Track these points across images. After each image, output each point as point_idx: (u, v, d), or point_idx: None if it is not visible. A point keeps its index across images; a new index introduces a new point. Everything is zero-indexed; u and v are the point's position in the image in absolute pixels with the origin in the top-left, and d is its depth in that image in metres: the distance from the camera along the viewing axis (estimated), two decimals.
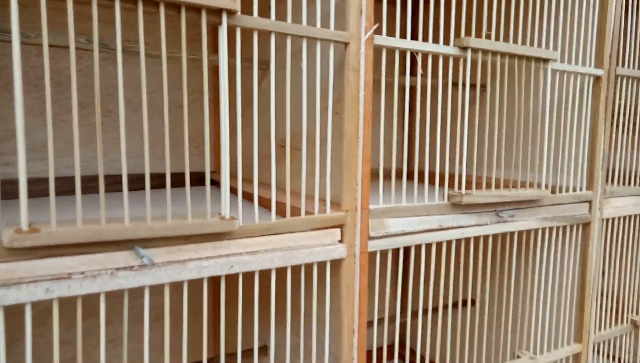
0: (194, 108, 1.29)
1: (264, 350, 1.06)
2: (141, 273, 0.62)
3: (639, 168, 1.29)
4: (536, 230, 1.08)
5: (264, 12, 0.76)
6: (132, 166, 1.24)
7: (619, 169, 1.25)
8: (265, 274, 0.80)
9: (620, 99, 1.18)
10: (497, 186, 0.98)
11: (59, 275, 0.56)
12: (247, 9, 0.70)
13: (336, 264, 0.81)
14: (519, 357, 1.11)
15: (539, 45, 1.03)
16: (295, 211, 0.79)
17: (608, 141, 1.16)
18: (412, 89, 1.38)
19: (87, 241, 0.57)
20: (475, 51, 0.89)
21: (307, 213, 0.78)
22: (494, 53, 0.91)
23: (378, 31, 0.81)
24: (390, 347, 1.62)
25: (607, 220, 1.24)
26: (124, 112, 1.17)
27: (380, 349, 1.60)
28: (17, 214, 0.79)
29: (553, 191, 1.08)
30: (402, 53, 0.86)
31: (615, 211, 1.22)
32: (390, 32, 0.87)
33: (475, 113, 0.92)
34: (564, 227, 1.13)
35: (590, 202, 1.16)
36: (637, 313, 1.37)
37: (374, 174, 1.11)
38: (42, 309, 1.07)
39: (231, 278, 1.13)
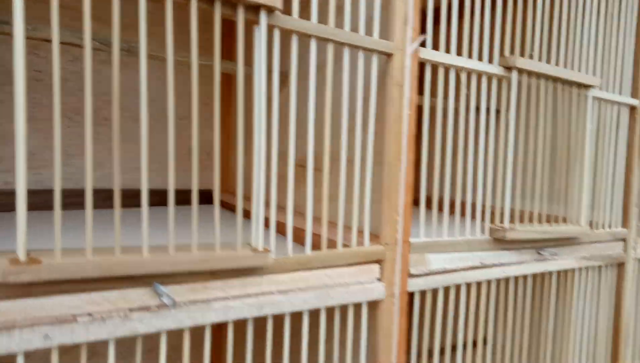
0: (200, 120, 1.19)
1: None
2: (159, 315, 0.51)
3: None
4: (573, 270, 0.99)
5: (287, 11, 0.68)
6: (129, 180, 1.12)
7: None
8: (294, 316, 0.69)
9: None
10: (537, 220, 0.89)
11: (62, 317, 0.45)
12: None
13: (373, 305, 0.71)
14: None
15: (578, 70, 0.97)
16: (332, 244, 0.69)
17: None
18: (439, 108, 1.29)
19: (100, 276, 0.46)
20: (520, 71, 0.82)
21: (344, 245, 0.68)
22: (539, 75, 0.85)
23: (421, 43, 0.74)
24: None
25: None
26: (121, 121, 1.08)
27: None
28: (7, 234, 0.67)
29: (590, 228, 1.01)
30: (445, 69, 0.78)
31: None
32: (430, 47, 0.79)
33: (518, 140, 0.85)
34: (599, 267, 1.05)
35: (624, 240, 1.08)
36: None
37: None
38: (37, 359, 0.93)
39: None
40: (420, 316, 0.80)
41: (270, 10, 0.57)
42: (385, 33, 0.70)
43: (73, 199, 1.08)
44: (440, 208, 1.03)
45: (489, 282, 0.84)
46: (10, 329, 0.42)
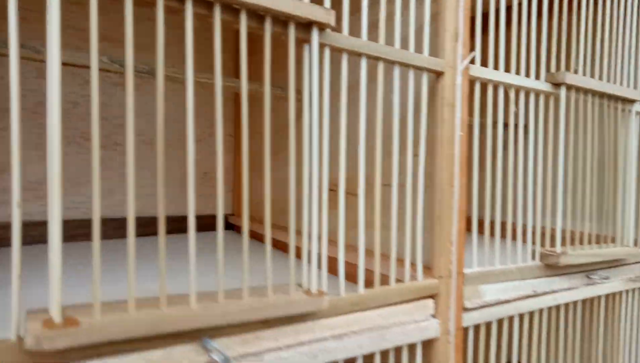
0: (209, 143, 1.12)
1: None
2: None
3: None
4: (620, 293, 0.94)
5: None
6: (141, 206, 1.06)
7: None
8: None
9: None
10: (587, 241, 0.84)
11: None
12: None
13: (428, 344, 0.64)
14: None
15: (620, 84, 0.92)
16: (384, 278, 0.62)
17: None
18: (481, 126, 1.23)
19: (145, 335, 0.39)
20: (569, 88, 0.77)
21: (397, 280, 0.61)
22: (586, 91, 0.80)
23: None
24: None
25: None
26: (135, 145, 1.00)
27: None
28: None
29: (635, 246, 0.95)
30: (494, 87, 0.73)
31: None
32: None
33: (568, 158, 0.79)
34: None
35: None
36: None
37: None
38: None
39: None
40: (474, 351, 0.74)
41: (321, 27, 0.51)
42: (434, 49, 0.65)
43: (81, 231, 1.01)
44: (492, 233, 0.97)
45: (540, 311, 0.78)
46: None
